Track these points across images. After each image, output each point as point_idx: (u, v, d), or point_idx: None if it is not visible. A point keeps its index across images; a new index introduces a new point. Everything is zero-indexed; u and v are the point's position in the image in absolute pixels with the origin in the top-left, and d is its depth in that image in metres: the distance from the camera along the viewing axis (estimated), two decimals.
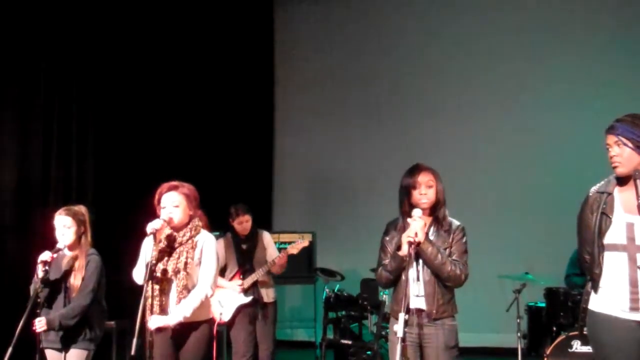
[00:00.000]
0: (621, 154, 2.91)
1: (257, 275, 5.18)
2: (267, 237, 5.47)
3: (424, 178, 3.29)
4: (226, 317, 5.15)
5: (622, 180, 2.98)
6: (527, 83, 7.72)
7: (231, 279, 5.25)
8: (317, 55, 8.68)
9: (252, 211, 5.38)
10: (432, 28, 8.18)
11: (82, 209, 4.07)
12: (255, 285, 5.21)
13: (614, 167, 2.94)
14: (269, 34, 8.91)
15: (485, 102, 7.87)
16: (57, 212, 4.01)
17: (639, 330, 2.90)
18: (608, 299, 2.96)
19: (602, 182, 3.07)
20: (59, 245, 3.93)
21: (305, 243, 5.40)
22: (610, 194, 2.98)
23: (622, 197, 2.97)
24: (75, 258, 3.94)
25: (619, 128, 2.93)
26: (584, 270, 3.12)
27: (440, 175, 3.38)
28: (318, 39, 8.70)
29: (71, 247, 3.96)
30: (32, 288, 3.89)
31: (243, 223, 5.30)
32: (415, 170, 3.33)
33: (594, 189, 3.07)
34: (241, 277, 5.24)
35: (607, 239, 2.96)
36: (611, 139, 2.94)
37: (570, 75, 7.50)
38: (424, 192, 3.29)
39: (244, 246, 5.33)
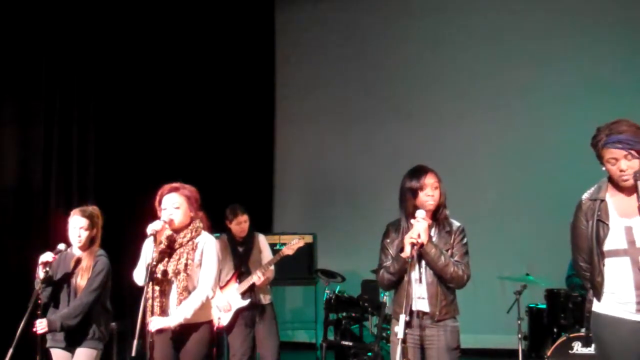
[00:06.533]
0: (632, 166, 2.86)
1: (254, 278, 5.13)
2: (262, 240, 5.43)
3: (430, 180, 3.29)
4: (225, 322, 5.15)
5: (614, 186, 2.97)
6: (527, 86, 7.72)
7: (228, 282, 5.23)
8: (317, 58, 8.69)
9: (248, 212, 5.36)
10: (433, 32, 8.19)
11: (96, 210, 4.08)
12: (252, 288, 5.18)
13: (625, 181, 2.88)
14: (270, 36, 8.93)
15: (485, 104, 7.88)
16: (73, 211, 4.02)
17: None
18: (614, 303, 2.94)
19: (593, 189, 3.05)
20: (59, 247, 3.94)
21: (301, 244, 5.30)
22: (603, 200, 2.97)
23: (615, 201, 2.96)
24: (83, 258, 3.94)
25: (626, 141, 2.85)
26: (582, 279, 3.11)
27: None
28: (319, 42, 8.71)
29: (82, 248, 3.98)
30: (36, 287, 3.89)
31: (242, 223, 5.26)
32: (421, 172, 3.32)
33: (585, 196, 3.05)
34: (237, 280, 5.22)
35: (607, 246, 2.93)
36: (619, 153, 2.87)
37: (569, 78, 7.50)
38: (431, 193, 3.29)
39: (240, 249, 5.30)
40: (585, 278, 3.06)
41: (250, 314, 5.21)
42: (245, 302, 5.16)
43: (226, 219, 5.29)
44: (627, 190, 2.92)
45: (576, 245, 3.06)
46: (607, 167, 2.94)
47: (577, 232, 3.04)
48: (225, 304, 5.14)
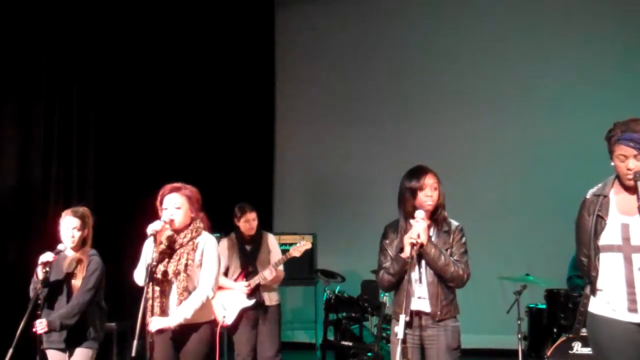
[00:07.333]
0: None
1: (260, 278, 5.12)
2: (272, 240, 5.40)
3: (429, 180, 3.30)
4: (229, 320, 5.13)
5: (620, 183, 2.98)
6: (528, 85, 7.73)
7: (234, 281, 5.20)
8: (317, 58, 8.69)
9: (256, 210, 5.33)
10: (433, 31, 8.20)
11: (87, 210, 4.11)
12: (257, 288, 5.16)
13: (629, 180, 2.88)
14: (269, 36, 8.92)
15: (484, 104, 7.88)
16: (65, 212, 4.04)
17: (638, 333, 2.89)
18: (606, 301, 2.97)
19: (600, 185, 3.07)
20: (59, 247, 3.95)
21: (308, 245, 5.28)
22: (606, 196, 2.99)
23: (618, 198, 2.98)
24: (77, 259, 3.96)
25: (638, 139, 2.85)
26: (582, 274, 3.14)
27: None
28: (318, 42, 8.71)
29: (74, 248, 4.00)
30: (31, 288, 3.90)
31: (250, 221, 5.22)
32: (420, 172, 3.33)
33: (591, 191, 3.07)
34: (245, 279, 5.19)
35: (602, 241, 2.96)
36: (629, 151, 2.86)
37: (571, 77, 7.51)
38: (430, 194, 3.29)
39: (248, 247, 5.27)
40: (585, 273, 3.08)
41: (255, 314, 5.19)
42: (251, 302, 5.14)
43: (234, 216, 5.27)
44: (631, 189, 2.93)
45: (579, 239, 3.08)
46: (615, 162, 2.95)
47: (580, 227, 3.07)
48: (239, 292, 5.12)
